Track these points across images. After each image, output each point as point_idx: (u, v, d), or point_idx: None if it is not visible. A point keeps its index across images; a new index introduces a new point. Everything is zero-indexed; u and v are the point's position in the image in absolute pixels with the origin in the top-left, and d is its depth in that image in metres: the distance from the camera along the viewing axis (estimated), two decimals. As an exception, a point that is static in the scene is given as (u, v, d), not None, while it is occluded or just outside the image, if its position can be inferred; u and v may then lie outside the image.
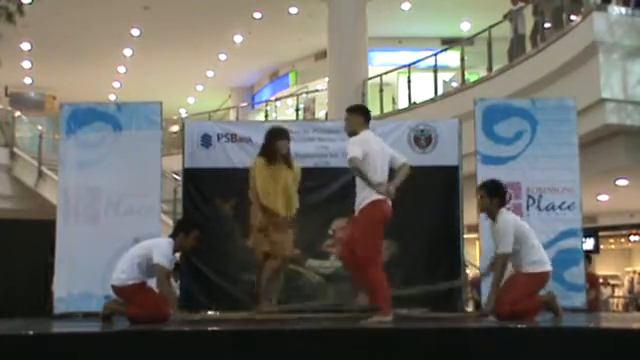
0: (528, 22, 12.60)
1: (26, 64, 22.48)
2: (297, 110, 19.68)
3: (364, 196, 5.46)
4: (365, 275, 5.48)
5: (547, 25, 12.04)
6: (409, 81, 15.72)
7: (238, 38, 21.13)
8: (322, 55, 19.41)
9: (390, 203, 5.48)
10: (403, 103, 16.46)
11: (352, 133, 5.66)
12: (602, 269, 17.89)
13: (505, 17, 13.13)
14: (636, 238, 19.17)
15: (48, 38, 19.72)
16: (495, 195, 5.84)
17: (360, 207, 5.49)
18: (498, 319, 5.57)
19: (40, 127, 17.90)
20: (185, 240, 5.85)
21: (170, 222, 10.47)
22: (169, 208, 11.05)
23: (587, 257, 9.41)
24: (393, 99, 17.99)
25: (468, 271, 9.39)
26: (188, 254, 7.29)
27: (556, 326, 5.02)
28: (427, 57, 15.50)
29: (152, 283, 5.92)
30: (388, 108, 16.40)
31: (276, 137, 6.20)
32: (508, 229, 5.71)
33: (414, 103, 15.30)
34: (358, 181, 5.50)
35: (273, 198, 6.14)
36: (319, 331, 4.81)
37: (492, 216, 5.83)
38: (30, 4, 12.28)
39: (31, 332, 4.60)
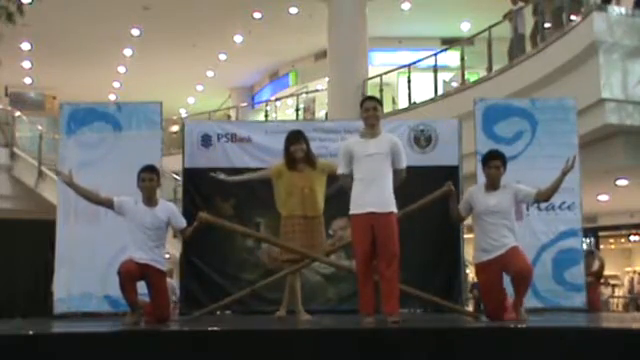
0: (528, 22, 12.60)
1: (26, 64, 22.48)
2: (297, 110, 19.68)
3: None
4: None
5: (547, 25, 12.04)
6: (409, 81, 15.73)
7: (238, 38, 21.13)
8: (322, 55, 19.43)
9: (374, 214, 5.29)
10: (403, 103, 16.48)
11: (377, 132, 5.48)
12: (602, 269, 17.86)
13: (505, 17, 13.14)
14: (636, 238, 19.18)
15: (48, 38, 19.72)
16: (506, 164, 5.86)
17: None
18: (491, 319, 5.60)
19: (40, 127, 17.92)
20: (139, 185, 5.85)
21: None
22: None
23: (592, 253, 9.55)
24: (393, 99, 18.02)
25: (468, 271, 9.41)
26: (188, 254, 7.31)
27: (556, 326, 5.02)
28: (427, 57, 15.51)
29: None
30: (388, 108, 16.40)
31: (289, 143, 6.17)
32: (520, 185, 5.87)
33: (414, 103, 15.31)
34: None
35: (293, 201, 6.09)
36: (319, 331, 4.82)
37: (496, 185, 5.79)
38: (30, 4, 12.26)
39: (31, 332, 4.60)
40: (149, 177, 5.84)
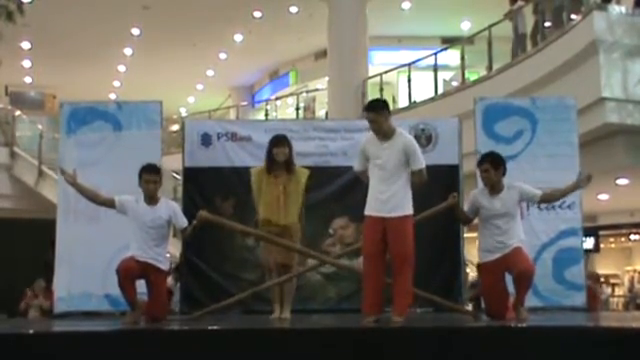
0: (528, 21, 12.60)
1: (26, 63, 22.48)
2: (297, 109, 19.69)
3: None
4: None
5: (547, 24, 12.04)
6: (409, 80, 15.71)
7: (238, 37, 21.13)
8: (322, 54, 19.43)
9: (385, 218, 5.29)
10: (403, 102, 16.45)
11: (389, 133, 5.40)
12: (602, 268, 17.88)
13: (506, 16, 13.13)
14: (636, 237, 19.16)
15: (48, 37, 19.72)
16: (500, 165, 5.75)
17: None
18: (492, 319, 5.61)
19: (40, 126, 17.93)
20: (141, 185, 5.83)
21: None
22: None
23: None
24: (393, 98, 17.98)
25: (468, 270, 9.40)
26: (188, 253, 7.31)
27: (556, 326, 5.02)
28: (427, 56, 15.50)
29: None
30: (388, 107, 16.37)
31: (272, 145, 6.20)
32: (525, 185, 5.81)
33: (414, 102, 15.31)
34: None
35: (268, 208, 6.12)
36: (319, 331, 4.81)
37: (497, 188, 5.72)
38: (30, 3, 12.28)
39: (31, 331, 4.60)
40: (153, 179, 5.83)
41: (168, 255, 6.19)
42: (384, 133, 5.37)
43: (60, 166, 6.61)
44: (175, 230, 6.24)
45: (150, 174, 5.84)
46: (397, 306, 5.25)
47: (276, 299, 6.20)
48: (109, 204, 5.92)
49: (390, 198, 5.30)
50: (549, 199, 5.95)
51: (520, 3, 12.75)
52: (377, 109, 5.40)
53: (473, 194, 5.94)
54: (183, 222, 5.97)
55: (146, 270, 5.73)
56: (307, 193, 6.59)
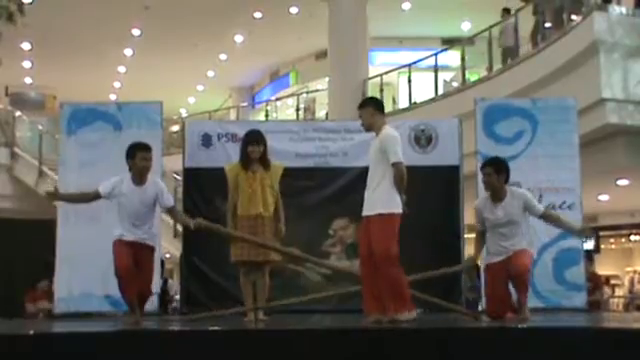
0: (528, 22, 12.60)
1: (26, 64, 22.48)
2: (297, 110, 19.69)
3: None
4: None
5: (548, 25, 12.05)
6: (409, 81, 15.72)
7: (238, 38, 21.14)
8: (322, 55, 19.42)
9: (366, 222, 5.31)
10: (404, 103, 16.48)
11: (374, 130, 5.38)
12: (603, 269, 17.85)
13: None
14: (637, 238, 19.14)
15: (48, 38, 19.71)
16: (503, 171, 5.72)
17: None
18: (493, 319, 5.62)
19: (40, 127, 17.94)
20: (134, 163, 5.74)
21: (170, 221, 10.46)
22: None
23: (589, 257, 9.47)
24: (394, 99, 18.02)
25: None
26: (188, 254, 7.31)
27: (556, 326, 5.02)
28: (427, 57, 15.49)
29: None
30: (389, 108, 16.37)
31: (247, 143, 6.18)
32: (530, 196, 5.78)
33: (415, 103, 15.31)
34: None
35: (248, 201, 6.08)
36: (319, 331, 4.81)
37: (499, 195, 5.68)
38: (30, 4, 12.28)
39: (31, 332, 4.60)
40: (149, 157, 5.77)
41: (168, 255, 6.18)
42: (367, 128, 5.41)
43: (45, 191, 6.35)
44: (161, 208, 6.11)
45: (147, 152, 5.77)
46: (388, 307, 5.21)
47: (250, 300, 6.13)
48: (97, 197, 5.81)
49: (370, 196, 5.28)
50: (549, 221, 5.95)
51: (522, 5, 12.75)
52: (362, 105, 5.49)
53: (477, 207, 5.89)
54: (169, 201, 5.87)
55: (135, 249, 5.67)
56: (307, 194, 6.60)
